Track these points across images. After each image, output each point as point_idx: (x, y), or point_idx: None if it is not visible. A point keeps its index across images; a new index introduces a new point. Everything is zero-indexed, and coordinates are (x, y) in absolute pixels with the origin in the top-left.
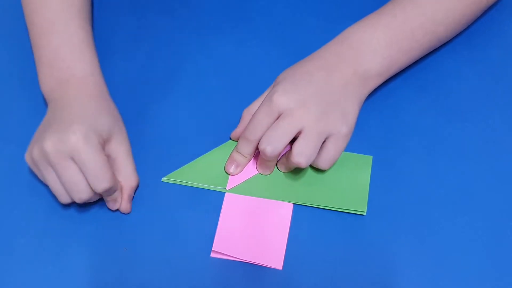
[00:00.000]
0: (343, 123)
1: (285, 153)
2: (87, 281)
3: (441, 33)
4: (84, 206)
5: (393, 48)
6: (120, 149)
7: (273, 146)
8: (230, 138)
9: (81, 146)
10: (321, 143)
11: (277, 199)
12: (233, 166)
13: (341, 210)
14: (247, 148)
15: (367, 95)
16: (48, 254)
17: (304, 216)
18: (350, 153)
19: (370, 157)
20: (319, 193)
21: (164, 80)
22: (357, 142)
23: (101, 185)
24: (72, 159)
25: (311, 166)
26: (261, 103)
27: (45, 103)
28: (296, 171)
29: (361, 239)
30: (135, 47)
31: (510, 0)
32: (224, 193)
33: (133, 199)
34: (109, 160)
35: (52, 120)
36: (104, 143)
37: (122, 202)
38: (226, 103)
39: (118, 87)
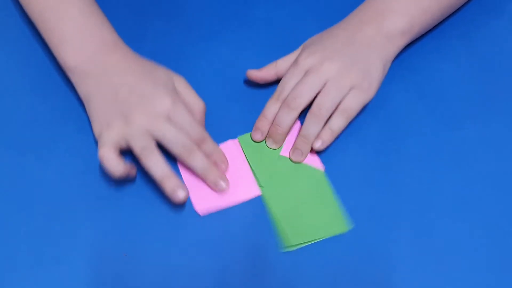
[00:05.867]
0: (364, 78)
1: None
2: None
3: None
4: (83, 210)
5: (412, 7)
6: (181, 85)
7: (299, 98)
8: (246, 75)
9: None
10: (343, 95)
11: None
12: (259, 132)
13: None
14: (273, 108)
15: (394, 55)
16: (48, 259)
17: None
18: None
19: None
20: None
21: None
22: (355, 147)
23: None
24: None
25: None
26: (290, 67)
27: (44, 106)
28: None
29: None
30: (134, 50)
31: (509, 6)
32: None
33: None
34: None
35: (116, 95)
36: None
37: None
38: (225, 107)
39: None
